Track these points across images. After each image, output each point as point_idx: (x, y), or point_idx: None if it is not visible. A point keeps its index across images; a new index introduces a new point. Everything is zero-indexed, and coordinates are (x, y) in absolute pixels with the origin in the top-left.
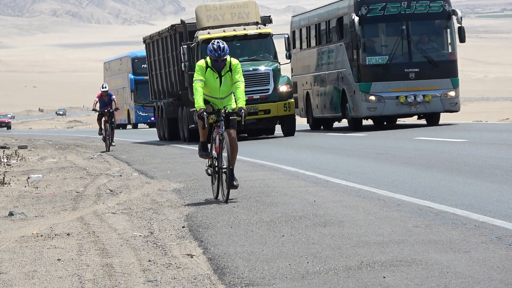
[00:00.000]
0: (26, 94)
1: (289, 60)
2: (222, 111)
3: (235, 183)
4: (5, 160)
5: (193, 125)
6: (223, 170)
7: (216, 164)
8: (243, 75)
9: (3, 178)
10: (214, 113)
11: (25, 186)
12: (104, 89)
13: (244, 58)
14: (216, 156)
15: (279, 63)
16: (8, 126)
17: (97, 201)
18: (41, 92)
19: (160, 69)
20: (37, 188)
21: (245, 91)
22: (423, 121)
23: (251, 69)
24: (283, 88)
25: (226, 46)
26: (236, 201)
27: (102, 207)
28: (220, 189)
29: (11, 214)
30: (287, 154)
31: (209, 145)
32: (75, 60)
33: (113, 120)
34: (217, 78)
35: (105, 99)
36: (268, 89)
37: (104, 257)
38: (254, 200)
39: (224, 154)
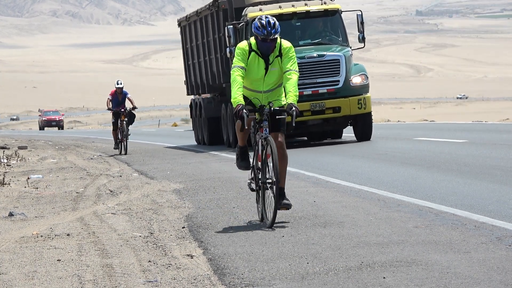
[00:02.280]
0: (26, 94)
1: (362, 44)
2: (267, 108)
3: (285, 201)
4: (5, 161)
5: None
6: (268, 185)
7: (260, 177)
8: (305, 63)
9: (3, 178)
10: (256, 110)
11: (25, 187)
12: (119, 86)
13: (306, 42)
14: (259, 166)
15: (351, 47)
16: (59, 125)
17: (97, 202)
18: (41, 93)
19: (198, 57)
20: (37, 188)
21: (309, 84)
22: None
23: (315, 55)
24: (356, 80)
25: (277, 22)
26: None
27: (102, 207)
28: (263, 209)
29: (11, 214)
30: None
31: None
32: (75, 60)
33: (132, 119)
34: (262, 65)
35: (119, 97)
36: (338, 81)
37: (104, 257)
38: (254, 200)
39: (270, 163)
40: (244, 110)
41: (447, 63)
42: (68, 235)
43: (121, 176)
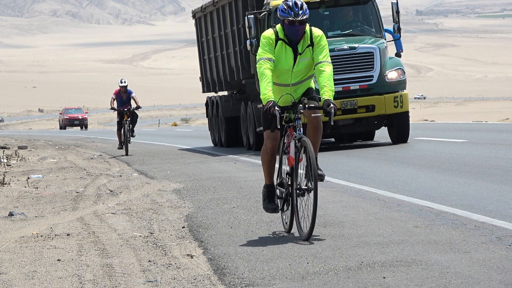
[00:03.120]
0: (26, 94)
1: (399, 35)
2: (301, 106)
3: (320, 172)
4: (5, 160)
5: (262, 128)
6: (302, 192)
7: (290, 182)
8: (335, 56)
9: (3, 178)
10: (288, 108)
11: (25, 187)
12: (123, 84)
13: (335, 33)
14: (289, 171)
15: (385, 39)
16: (83, 124)
17: (97, 202)
18: (41, 92)
19: (215, 51)
20: (37, 188)
21: (339, 80)
22: None
23: (346, 47)
24: (392, 75)
25: (305, 4)
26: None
27: (102, 207)
28: (296, 220)
29: (11, 214)
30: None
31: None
32: (75, 60)
33: (134, 119)
34: (290, 54)
35: (123, 96)
36: (372, 76)
37: (104, 257)
38: (254, 200)
39: (300, 170)
40: (276, 108)
41: (447, 63)
42: (68, 235)
43: (121, 176)
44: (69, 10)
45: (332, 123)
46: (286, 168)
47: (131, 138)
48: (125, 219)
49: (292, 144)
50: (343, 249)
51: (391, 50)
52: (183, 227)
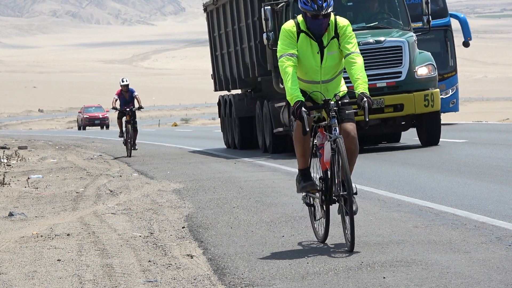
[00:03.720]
0: (26, 94)
1: (427, 29)
2: (333, 102)
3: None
4: (5, 161)
5: (279, 129)
6: (341, 197)
7: (324, 188)
8: (360, 51)
9: (3, 178)
10: (319, 107)
11: (25, 187)
12: (124, 83)
13: (360, 25)
14: (322, 176)
15: (414, 32)
16: (104, 124)
17: (97, 202)
18: (41, 93)
19: (228, 46)
20: (37, 188)
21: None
22: None
23: (371, 41)
24: (422, 71)
25: None
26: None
27: (102, 207)
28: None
29: (11, 214)
30: (285, 154)
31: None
32: (75, 60)
33: (135, 120)
34: (316, 48)
35: (125, 96)
36: (400, 72)
37: (104, 257)
38: (254, 200)
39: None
40: (303, 108)
41: None
42: (68, 235)
43: (121, 176)
44: (69, 10)
45: (368, 119)
46: (317, 174)
47: (132, 150)
48: (125, 219)
49: (327, 146)
50: (343, 249)
51: (458, 39)
52: (183, 227)
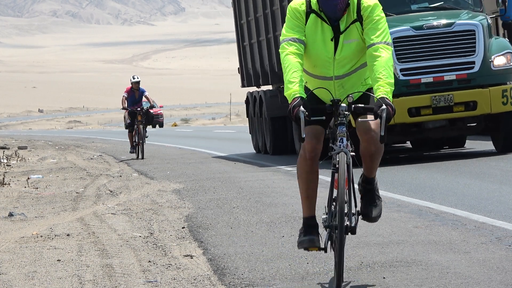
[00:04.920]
0: (26, 94)
1: (498, 10)
2: (343, 105)
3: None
4: (5, 161)
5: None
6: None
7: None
8: (424, 36)
9: (3, 178)
10: (324, 109)
11: (25, 187)
12: (136, 80)
13: (422, 6)
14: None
15: (487, 14)
16: (158, 122)
17: (97, 202)
18: (41, 93)
19: (258, 35)
20: (37, 188)
21: (430, 68)
22: None
23: (438, 24)
24: (499, 61)
25: None
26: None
27: (102, 207)
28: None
29: (11, 214)
30: (286, 154)
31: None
32: (75, 60)
33: (150, 118)
34: (329, 34)
35: (135, 94)
36: (473, 62)
37: (104, 257)
38: (254, 200)
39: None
40: (302, 108)
41: None
42: (68, 235)
43: (121, 176)
44: (69, 10)
45: (383, 133)
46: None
47: (144, 145)
48: (125, 220)
49: (334, 161)
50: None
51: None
52: (183, 228)
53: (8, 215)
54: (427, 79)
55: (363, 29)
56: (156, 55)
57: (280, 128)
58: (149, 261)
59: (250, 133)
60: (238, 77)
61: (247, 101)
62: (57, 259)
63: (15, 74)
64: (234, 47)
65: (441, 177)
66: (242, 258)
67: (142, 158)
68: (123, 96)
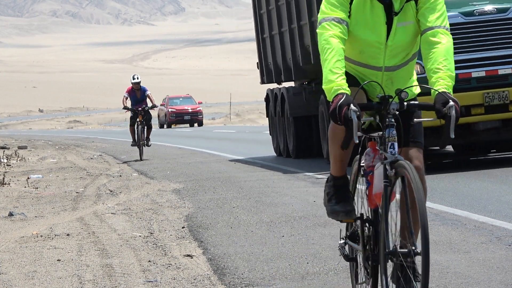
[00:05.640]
0: (26, 94)
1: None
2: (394, 102)
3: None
4: (5, 160)
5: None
6: (396, 256)
7: (372, 235)
8: (474, 23)
9: (3, 178)
10: (377, 106)
11: (25, 187)
12: (136, 81)
13: None
14: (370, 216)
15: None
16: (196, 120)
17: (97, 202)
18: (41, 92)
19: (280, 26)
20: (37, 188)
21: (481, 60)
22: None
23: (492, 9)
24: None
25: None
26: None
27: (102, 207)
28: None
29: (11, 214)
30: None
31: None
32: (75, 60)
33: (150, 117)
34: (381, 15)
35: (137, 94)
36: None
37: (104, 257)
38: (254, 200)
39: (398, 217)
40: (353, 107)
41: None
42: (68, 235)
43: (121, 176)
44: (69, 10)
45: (453, 136)
46: (363, 209)
47: (145, 146)
48: (125, 219)
49: (379, 170)
50: None
51: None
52: (183, 227)
53: (8, 215)
54: (478, 73)
55: (417, 10)
56: (156, 55)
57: (304, 129)
58: (149, 261)
59: (270, 134)
60: (238, 77)
61: (266, 99)
62: (57, 259)
63: (15, 74)
64: (234, 47)
65: (441, 177)
66: (242, 258)
67: (141, 159)
68: (124, 96)
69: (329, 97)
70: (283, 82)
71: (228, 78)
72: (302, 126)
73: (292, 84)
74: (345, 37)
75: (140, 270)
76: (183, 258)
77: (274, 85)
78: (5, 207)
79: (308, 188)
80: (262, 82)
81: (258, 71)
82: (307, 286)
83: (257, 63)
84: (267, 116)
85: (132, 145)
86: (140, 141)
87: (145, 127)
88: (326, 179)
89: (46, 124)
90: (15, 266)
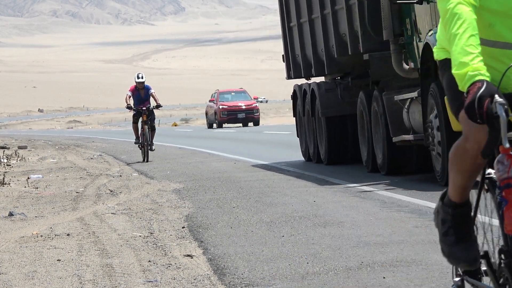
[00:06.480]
0: (26, 94)
1: None
2: None
3: None
4: (5, 160)
5: (404, 137)
6: None
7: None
8: None
9: (3, 178)
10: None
11: (25, 187)
12: (140, 80)
13: None
14: (504, 245)
15: None
16: (252, 119)
17: (97, 202)
18: (41, 92)
19: (311, 12)
20: (37, 188)
21: None
22: None
23: None
24: None
25: None
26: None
27: (102, 207)
28: None
29: (11, 214)
30: (286, 154)
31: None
32: (75, 60)
33: (153, 117)
34: None
35: (141, 93)
36: None
37: (104, 257)
38: (254, 200)
39: None
40: (498, 98)
41: None
42: (68, 235)
43: (121, 176)
44: (69, 10)
45: None
46: (497, 235)
47: (149, 152)
48: (125, 219)
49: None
50: (343, 249)
51: None
52: (183, 227)
53: (8, 215)
54: None
55: None
56: (156, 55)
57: (338, 131)
58: (149, 261)
59: (297, 136)
60: (238, 77)
61: (294, 96)
62: (57, 259)
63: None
64: (234, 47)
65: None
66: (242, 258)
67: (147, 161)
68: (127, 94)
69: (462, 86)
70: (313, 76)
71: (228, 78)
72: (335, 128)
73: (322, 79)
74: (476, 4)
75: (140, 270)
76: (183, 258)
77: (303, 81)
78: (5, 207)
79: (308, 188)
80: (289, 77)
81: (258, 71)
82: (307, 286)
83: (283, 55)
84: (293, 116)
85: (135, 143)
86: (145, 141)
87: (151, 127)
88: (441, 198)
89: (46, 124)
90: (15, 266)
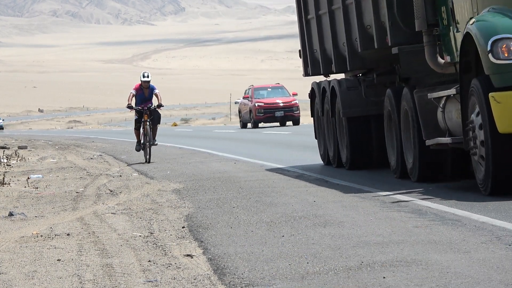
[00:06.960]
0: (26, 94)
1: None
2: None
3: None
4: (5, 160)
5: (439, 139)
6: None
7: None
8: None
9: (3, 178)
10: None
11: (25, 187)
12: (146, 79)
13: None
14: None
15: None
16: (292, 117)
17: (97, 202)
18: (41, 92)
19: (330, 3)
20: (37, 188)
21: None
22: None
23: None
24: None
25: None
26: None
27: (102, 207)
28: None
29: (11, 214)
30: (286, 154)
31: None
32: (75, 60)
33: (157, 116)
34: None
35: (144, 93)
36: None
37: (104, 257)
38: (254, 200)
39: None
40: None
41: None
42: (68, 235)
43: (121, 176)
44: (69, 10)
45: None
46: None
47: (151, 146)
48: (125, 219)
49: None
50: (343, 249)
51: None
52: (183, 227)
53: (8, 215)
54: None
55: None
56: (156, 55)
57: (361, 132)
58: (149, 261)
59: (316, 138)
60: (238, 77)
61: (312, 95)
62: (57, 259)
63: (15, 74)
64: (234, 47)
65: (440, 176)
66: (242, 258)
67: (149, 161)
68: (131, 93)
69: None
70: (333, 73)
71: (228, 78)
72: (358, 129)
73: (342, 76)
74: None
75: (140, 270)
76: (183, 258)
77: (321, 78)
78: (5, 207)
79: (308, 188)
80: (306, 74)
81: (257, 71)
82: (307, 286)
83: (299, 50)
84: (311, 116)
85: (136, 149)
86: (147, 142)
87: (156, 120)
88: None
89: (46, 124)
90: (15, 266)
